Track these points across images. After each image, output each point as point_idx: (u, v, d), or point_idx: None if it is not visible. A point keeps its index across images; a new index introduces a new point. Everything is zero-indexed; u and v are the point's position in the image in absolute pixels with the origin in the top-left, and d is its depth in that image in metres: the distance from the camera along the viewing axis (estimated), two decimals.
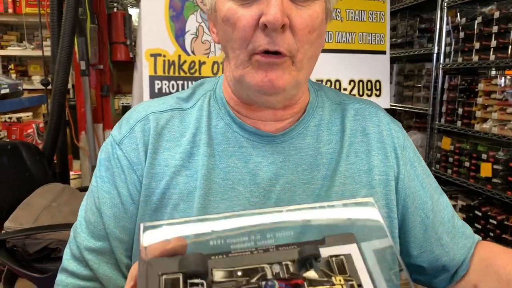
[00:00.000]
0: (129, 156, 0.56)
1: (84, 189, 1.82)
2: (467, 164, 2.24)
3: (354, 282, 0.31)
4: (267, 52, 0.50)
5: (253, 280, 0.30)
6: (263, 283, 0.30)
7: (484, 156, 2.11)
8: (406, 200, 0.60)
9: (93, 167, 1.97)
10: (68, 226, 1.35)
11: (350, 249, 0.33)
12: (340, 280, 0.31)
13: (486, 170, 2.09)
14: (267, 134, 0.57)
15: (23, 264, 1.31)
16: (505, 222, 1.97)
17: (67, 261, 0.57)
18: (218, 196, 0.55)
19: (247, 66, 0.51)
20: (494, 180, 2.06)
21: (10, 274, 1.40)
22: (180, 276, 0.30)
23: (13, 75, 4.19)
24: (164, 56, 1.66)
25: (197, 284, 0.30)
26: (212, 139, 0.57)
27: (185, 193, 0.54)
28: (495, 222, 2.02)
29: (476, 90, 2.18)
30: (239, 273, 0.31)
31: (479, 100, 2.14)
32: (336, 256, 0.33)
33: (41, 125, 3.58)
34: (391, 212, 0.59)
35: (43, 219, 1.38)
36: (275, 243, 0.33)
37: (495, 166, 2.05)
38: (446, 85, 2.43)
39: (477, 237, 0.65)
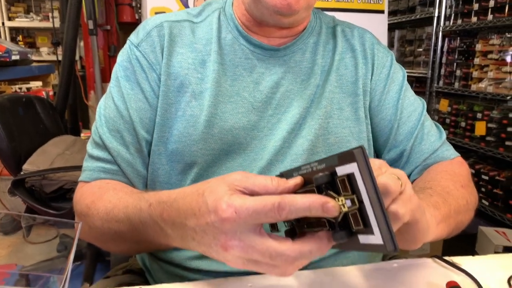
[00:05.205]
0: (148, 57, 0.62)
1: None
2: (463, 124, 2.30)
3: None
4: None
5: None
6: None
7: (479, 115, 2.17)
8: (377, 109, 0.68)
9: None
10: (80, 168, 1.46)
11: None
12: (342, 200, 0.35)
13: (480, 128, 2.15)
14: (270, 47, 0.64)
15: (41, 202, 1.43)
16: (497, 178, 2.04)
17: (91, 150, 0.63)
18: (225, 98, 0.62)
19: None
20: (488, 138, 2.13)
21: (28, 213, 1.52)
22: None
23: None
24: None
25: None
26: (222, 49, 0.64)
27: (197, 92, 0.61)
28: (487, 178, 2.09)
29: (474, 51, 2.22)
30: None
31: (476, 60, 2.18)
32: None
33: (51, 93, 3.67)
34: (366, 119, 0.67)
35: (57, 163, 1.48)
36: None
37: (489, 125, 2.12)
38: (445, 48, 2.46)
39: (442, 153, 0.67)
